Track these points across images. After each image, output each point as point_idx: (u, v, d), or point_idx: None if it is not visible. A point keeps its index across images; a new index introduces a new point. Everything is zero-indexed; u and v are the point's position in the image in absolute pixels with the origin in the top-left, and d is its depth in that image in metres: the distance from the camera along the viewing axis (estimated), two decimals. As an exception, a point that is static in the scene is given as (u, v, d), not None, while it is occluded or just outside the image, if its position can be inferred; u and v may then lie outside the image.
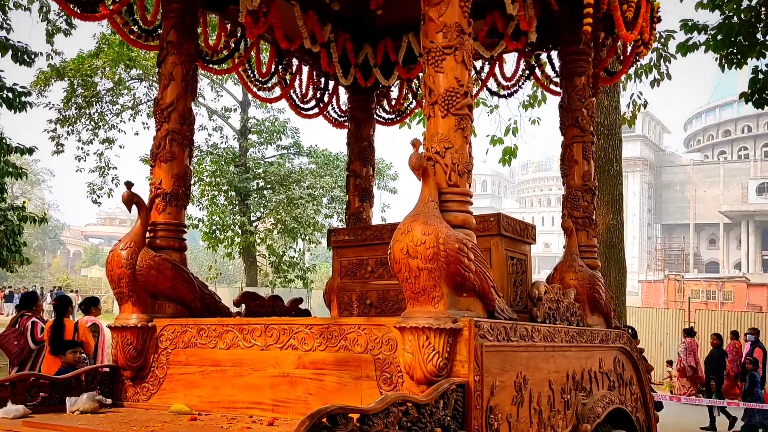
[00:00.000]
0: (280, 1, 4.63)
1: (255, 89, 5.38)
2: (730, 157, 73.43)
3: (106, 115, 20.86)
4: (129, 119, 21.60)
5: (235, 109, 25.08)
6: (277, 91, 5.69)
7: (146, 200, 3.80)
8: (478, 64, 5.66)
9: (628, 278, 10.47)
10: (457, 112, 3.02)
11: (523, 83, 5.47)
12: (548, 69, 5.32)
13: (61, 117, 19.81)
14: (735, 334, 15.40)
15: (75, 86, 19.46)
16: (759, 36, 9.81)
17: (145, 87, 21.73)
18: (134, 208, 3.70)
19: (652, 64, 11.12)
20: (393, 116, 6.23)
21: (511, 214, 4.61)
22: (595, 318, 4.27)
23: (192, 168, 4.18)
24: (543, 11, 4.49)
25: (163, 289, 3.71)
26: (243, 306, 4.66)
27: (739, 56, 9.96)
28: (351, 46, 5.45)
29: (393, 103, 6.18)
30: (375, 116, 6.05)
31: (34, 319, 8.15)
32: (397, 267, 2.84)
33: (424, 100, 3.15)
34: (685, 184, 70.67)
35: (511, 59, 5.66)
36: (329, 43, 5.32)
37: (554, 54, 5.11)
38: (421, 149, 2.95)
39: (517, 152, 12.18)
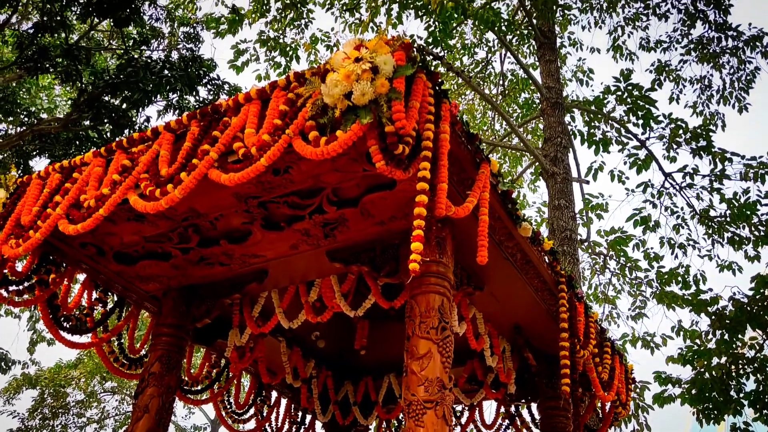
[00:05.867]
0: (268, 337, 4.77)
1: (230, 421, 5.25)
2: None
3: (70, 428, 19.92)
4: (92, 434, 20.56)
5: (205, 428, 24.05)
6: (252, 424, 5.55)
7: None
8: (458, 407, 5.64)
9: None
10: (437, 473, 2.90)
11: (503, 432, 5.38)
12: (526, 414, 5.29)
13: (23, 428, 18.88)
14: None
15: (45, 396, 18.93)
16: (733, 393, 9.91)
17: (116, 401, 21.14)
18: None
19: (630, 413, 11.09)
20: (370, 461, 5.99)
21: None
22: None
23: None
24: (521, 364, 4.63)
25: None
26: None
27: (716, 411, 9.94)
28: (332, 382, 5.49)
29: (370, 445, 6.00)
30: (351, 461, 5.81)
31: None
32: None
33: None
34: None
35: (491, 405, 5.66)
36: (311, 378, 5.37)
37: (534, 405, 5.14)
38: None
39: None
